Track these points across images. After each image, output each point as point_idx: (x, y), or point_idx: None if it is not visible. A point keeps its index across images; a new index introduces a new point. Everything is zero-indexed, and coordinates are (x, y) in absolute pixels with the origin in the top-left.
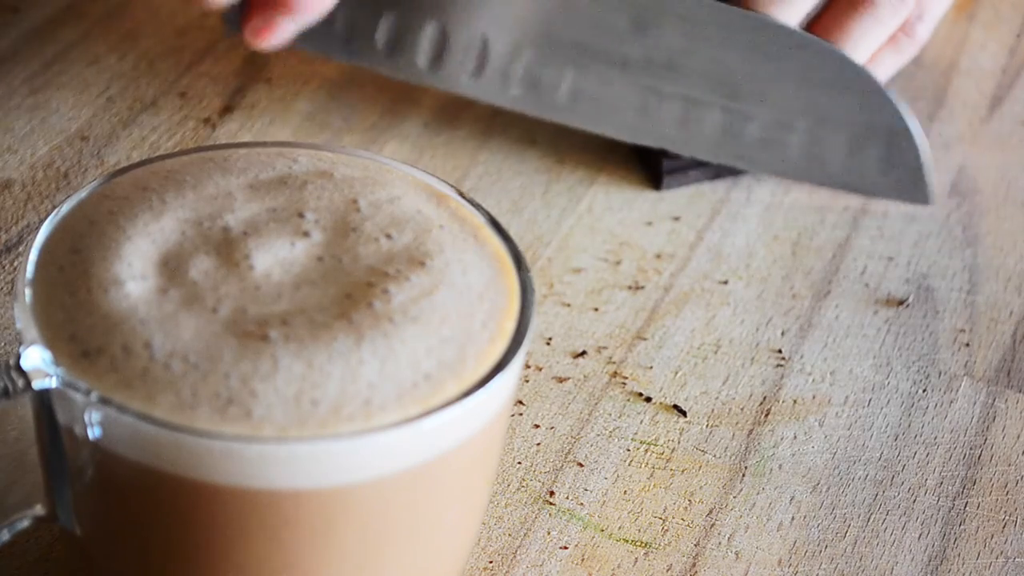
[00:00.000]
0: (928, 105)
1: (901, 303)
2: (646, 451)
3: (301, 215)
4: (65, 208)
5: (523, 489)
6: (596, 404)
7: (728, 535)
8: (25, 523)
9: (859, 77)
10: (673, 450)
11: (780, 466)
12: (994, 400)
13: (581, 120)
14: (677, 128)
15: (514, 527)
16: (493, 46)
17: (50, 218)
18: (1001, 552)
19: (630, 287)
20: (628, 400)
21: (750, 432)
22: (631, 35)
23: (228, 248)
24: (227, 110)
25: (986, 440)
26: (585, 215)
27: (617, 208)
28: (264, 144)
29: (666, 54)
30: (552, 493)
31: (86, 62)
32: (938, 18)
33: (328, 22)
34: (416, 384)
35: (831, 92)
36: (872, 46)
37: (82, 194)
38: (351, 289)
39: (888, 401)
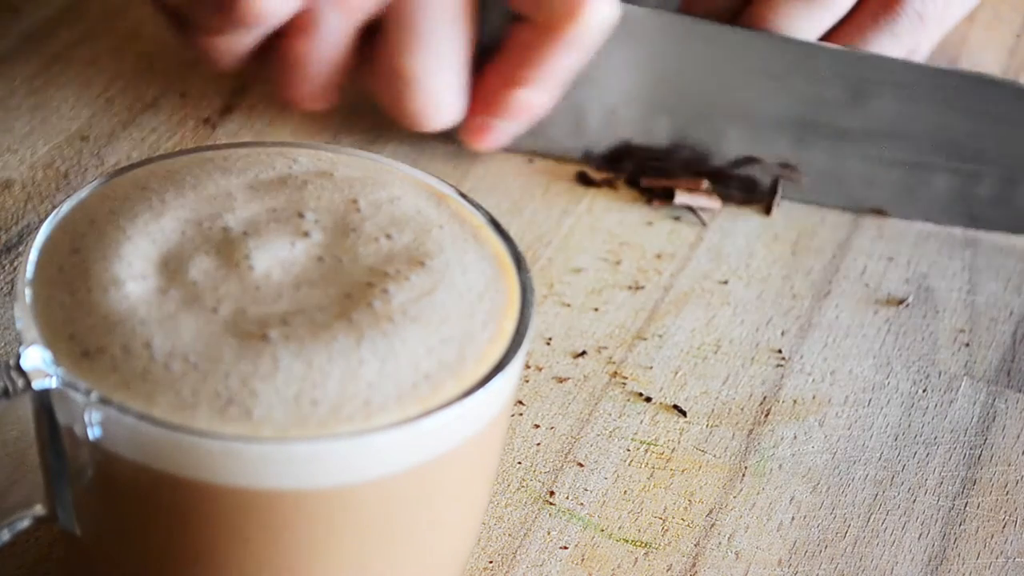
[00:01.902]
0: None
1: (901, 303)
2: (646, 451)
3: (301, 215)
4: (65, 208)
5: (523, 489)
6: (596, 404)
7: (728, 535)
8: (25, 523)
9: None
10: (673, 450)
11: (780, 466)
12: (994, 400)
13: (807, 194)
14: (905, 193)
15: (514, 527)
16: (711, 129)
17: (50, 218)
18: (1001, 552)
19: (630, 287)
20: (628, 400)
21: (750, 432)
22: (850, 107)
23: (228, 248)
24: (227, 110)
25: (986, 440)
26: (585, 215)
27: (617, 208)
28: (264, 144)
29: (886, 121)
30: (552, 493)
31: (86, 62)
32: (935, 43)
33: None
34: (416, 384)
35: None
36: None
37: (82, 194)
38: (351, 289)
39: (888, 401)
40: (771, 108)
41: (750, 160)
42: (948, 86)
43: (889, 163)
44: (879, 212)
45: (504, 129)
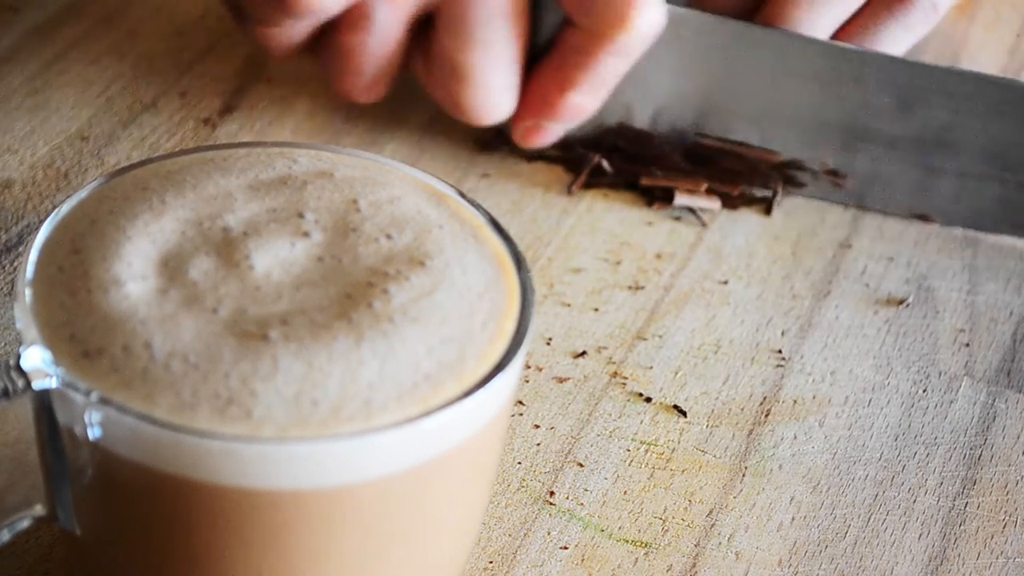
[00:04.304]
0: None
1: (901, 303)
2: (646, 451)
3: (301, 215)
4: (65, 208)
5: (523, 489)
6: (596, 404)
7: (728, 535)
8: (25, 523)
9: None
10: (673, 450)
11: (780, 466)
12: (994, 400)
13: (857, 199)
14: (953, 202)
15: (514, 527)
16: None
17: (50, 218)
18: (1001, 552)
19: (630, 287)
20: (628, 400)
21: (750, 432)
22: (899, 114)
23: (228, 248)
24: (227, 110)
25: (986, 440)
26: (585, 215)
27: (617, 208)
28: (264, 144)
29: (935, 130)
30: (552, 493)
31: (86, 62)
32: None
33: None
34: (416, 384)
35: None
36: (897, 52)
37: (82, 194)
38: (351, 289)
39: (888, 401)
40: (816, 112)
41: (795, 164)
42: (994, 95)
43: (935, 171)
44: (925, 219)
45: (553, 131)
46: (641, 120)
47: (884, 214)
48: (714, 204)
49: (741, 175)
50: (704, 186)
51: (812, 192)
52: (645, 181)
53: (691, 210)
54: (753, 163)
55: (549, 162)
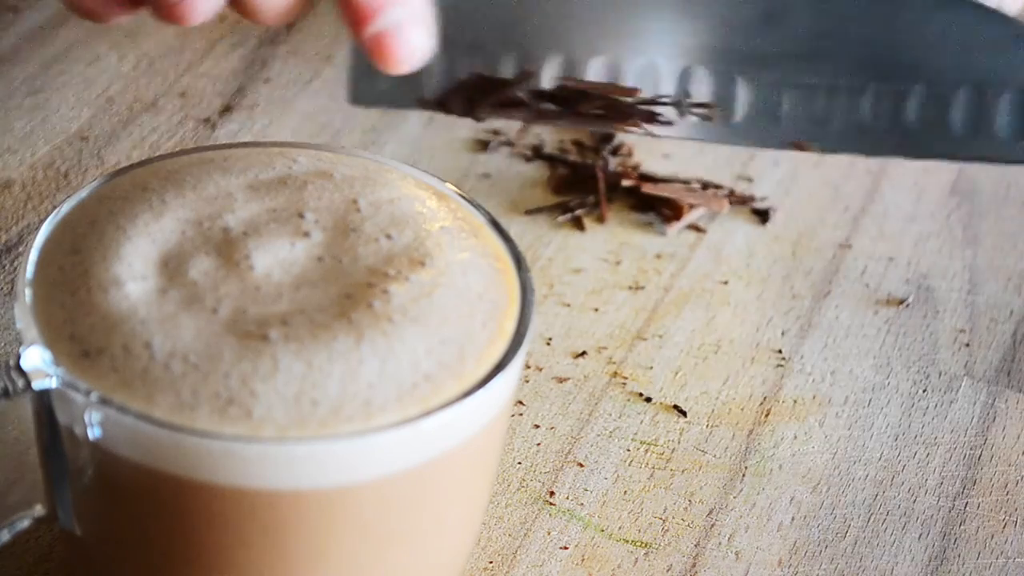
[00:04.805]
0: None
1: (901, 303)
2: (646, 451)
3: (301, 215)
4: (65, 208)
5: (523, 489)
6: (596, 404)
7: (728, 535)
8: (25, 523)
9: (1011, 29)
10: (673, 450)
11: (780, 466)
12: (994, 400)
13: (728, 135)
14: (827, 124)
15: (514, 527)
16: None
17: (50, 218)
18: (1001, 552)
19: (630, 287)
20: (628, 400)
21: (750, 432)
22: (761, 29)
23: (228, 248)
24: (227, 110)
25: (986, 440)
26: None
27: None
28: (264, 144)
29: (802, 42)
30: (552, 493)
31: (86, 62)
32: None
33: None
34: (416, 384)
35: (987, 51)
36: None
37: (82, 194)
38: (351, 289)
39: (888, 401)
40: (673, 37)
41: (658, 100)
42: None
43: (807, 89)
44: (800, 147)
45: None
46: (489, 66)
47: (759, 148)
48: (721, 206)
49: (606, 117)
50: (698, 212)
51: (682, 131)
52: (646, 188)
53: (697, 228)
54: (614, 102)
55: (549, 162)
